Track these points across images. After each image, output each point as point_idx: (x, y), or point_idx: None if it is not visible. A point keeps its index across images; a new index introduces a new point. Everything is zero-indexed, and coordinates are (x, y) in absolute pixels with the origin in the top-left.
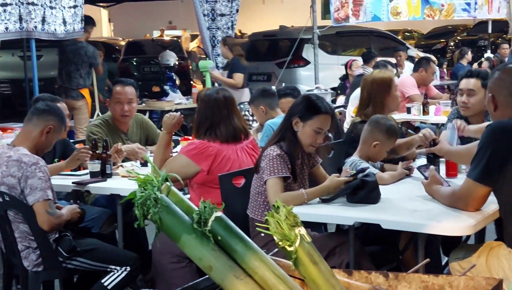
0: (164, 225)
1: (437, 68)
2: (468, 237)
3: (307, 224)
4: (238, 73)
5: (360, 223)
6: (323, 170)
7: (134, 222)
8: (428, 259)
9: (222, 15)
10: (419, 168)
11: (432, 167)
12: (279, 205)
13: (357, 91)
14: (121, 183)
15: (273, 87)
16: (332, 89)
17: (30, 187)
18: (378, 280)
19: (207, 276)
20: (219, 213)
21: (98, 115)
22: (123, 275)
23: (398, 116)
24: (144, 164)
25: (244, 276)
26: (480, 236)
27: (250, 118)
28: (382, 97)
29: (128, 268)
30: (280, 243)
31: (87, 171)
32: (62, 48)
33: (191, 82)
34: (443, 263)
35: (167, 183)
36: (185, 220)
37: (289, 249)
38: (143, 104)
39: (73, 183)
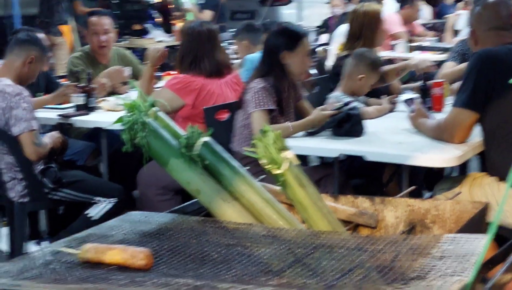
0: (152, 150)
1: (422, 5)
2: (451, 171)
3: None
4: (208, 10)
5: (345, 156)
6: (308, 103)
7: (119, 154)
8: (414, 186)
9: None
10: (405, 101)
11: (418, 100)
12: (267, 129)
13: (342, 28)
14: (105, 116)
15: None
16: (316, 27)
17: (15, 118)
18: (364, 204)
19: (194, 200)
20: (207, 138)
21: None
22: (108, 207)
23: (383, 54)
24: None
25: (231, 200)
26: (463, 170)
27: None
28: (373, 30)
29: (113, 200)
30: (268, 166)
31: (70, 104)
32: None
33: (173, 19)
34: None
35: (154, 108)
36: (172, 144)
37: (276, 172)
38: (125, 42)
39: (58, 115)
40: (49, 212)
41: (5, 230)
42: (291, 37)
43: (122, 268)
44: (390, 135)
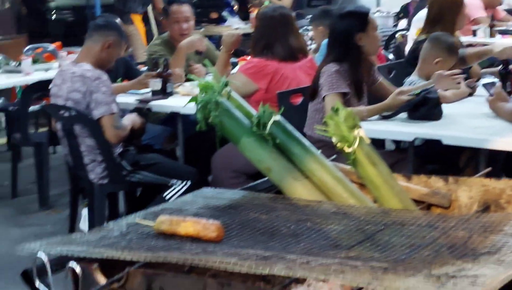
0: (224, 128)
1: None
2: None
3: None
4: None
5: (421, 141)
6: (388, 83)
7: (195, 138)
8: (490, 168)
9: None
10: (484, 85)
11: (498, 84)
12: (339, 107)
13: (421, 13)
14: (181, 101)
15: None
16: (395, 13)
17: (95, 101)
18: (438, 184)
19: (266, 178)
20: (278, 117)
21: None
22: (183, 189)
23: (463, 39)
24: None
25: (302, 178)
26: None
27: None
28: (454, 14)
29: (189, 182)
30: (338, 144)
31: (148, 90)
32: None
33: (250, 7)
34: None
35: (227, 88)
36: (244, 123)
37: (347, 150)
38: (202, 30)
39: (136, 100)
40: (127, 194)
41: (85, 211)
42: (361, 17)
43: (195, 239)
44: (468, 119)
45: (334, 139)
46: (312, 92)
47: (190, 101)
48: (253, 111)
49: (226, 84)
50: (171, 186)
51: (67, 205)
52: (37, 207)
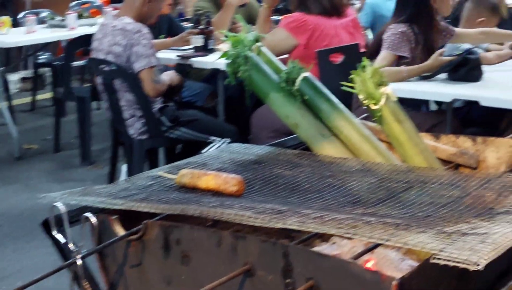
0: (253, 83)
1: None
2: None
3: (406, 102)
4: None
5: (462, 103)
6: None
7: (235, 97)
8: None
9: None
10: None
11: None
12: (366, 64)
13: None
14: (222, 58)
15: None
16: None
17: (136, 54)
18: (466, 144)
19: (294, 135)
20: (307, 73)
21: None
22: (223, 146)
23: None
24: None
25: (329, 135)
26: None
27: None
28: None
29: (228, 140)
30: (365, 101)
31: (190, 47)
32: None
33: None
34: None
35: (258, 43)
36: (273, 79)
37: (373, 107)
38: None
39: (177, 56)
40: (167, 151)
41: (125, 167)
42: None
43: (216, 193)
44: (509, 81)
45: (360, 96)
46: (373, 49)
47: (221, 56)
48: (283, 67)
49: (257, 39)
50: (210, 142)
51: (108, 161)
52: (79, 162)
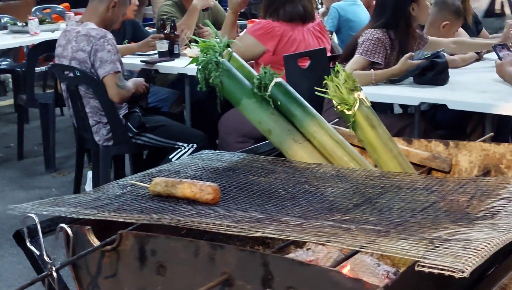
0: (225, 89)
1: None
2: None
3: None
4: None
5: (428, 106)
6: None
7: (202, 102)
8: (492, 133)
9: None
10: (494, 47)
11: (509, 47)
12: (339, 69)
13: None
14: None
15: None
16: None
17: (100, 60)
18: (438, 148)
19: (266, 141)
20: (279, 79)
21: None
22: (190, 151)
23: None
24: None
25: (302, 140)
26: None
27: None
28: None
29: (195, 145)
30: (338, 106)
31: (155, 51)
32: None
33: None
34: None
35: (229, 49)
36: (245, 84)
37: (347, 112)
38: None
39: (141, 61)
40: (133, 157)
41: (91, 174)
42: None
43: (190, 202)
44: (474, 84)
45: (334, 102)
46: (347, 52)
47: (191, 62)
48: (255, 73)
49: (227, 45)
50: (177, 148)
51: (73, 168)
52: (43, 169)
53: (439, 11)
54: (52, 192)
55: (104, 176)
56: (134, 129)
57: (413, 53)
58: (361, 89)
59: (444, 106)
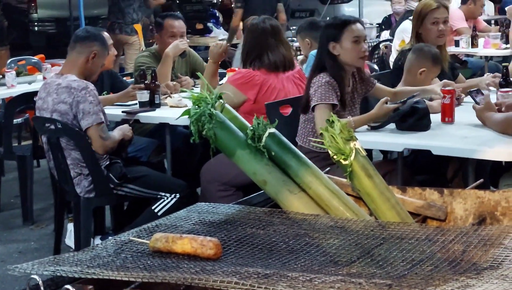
0: (218, 141)
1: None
2: None
3: None
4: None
5: (408, 151)
6: (385, 86)
7: (183, 150)
8: (482, 180)
9: None
10: (470, 92)
11: (487, 93)
12: (334, 120)
13: (404, 24)
14: (169, 113)
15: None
16: (378, 24)
17: (82, 111)
18: (433, 196)
19: (261, 191)
20: (273, 130)
21: (142, 50)
22: (172, 201)
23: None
24: None
25: (298, 191)
26: None
27: None
28: None
29: (178, 195)
30: (335, 157)
31: (135, 101)
32: None
33: None
34: None
35: (221, 100)
36: (239, 135)
37: (344, 162)
38: (187, 41)
39: (123, 112)
40: (113, 208)
41: (71, 226)
42: (335, 27)
43: (191, 257)
44: (455, 129)
45: (330, 152)
46: (305, 103)
47: (183, 114)
48: (247, 124)
49: (219, 97)
50: (160, 198)
51: (51, 220)
52: (21, 222)
53: (417, 58)
54: (31, 245)
55: (85, 228)
56: (115, 180)
57: (388, 98)
58: (357, 139)
59: (424, 151)
